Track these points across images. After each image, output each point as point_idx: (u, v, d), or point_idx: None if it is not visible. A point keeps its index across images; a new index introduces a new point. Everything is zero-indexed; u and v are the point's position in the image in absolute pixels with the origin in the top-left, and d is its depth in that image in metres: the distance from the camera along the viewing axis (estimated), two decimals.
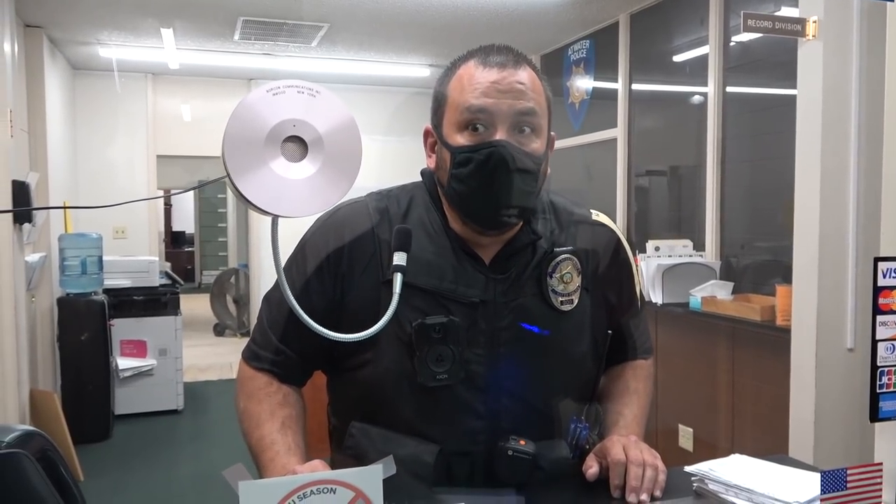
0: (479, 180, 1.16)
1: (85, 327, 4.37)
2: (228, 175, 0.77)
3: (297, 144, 0.79)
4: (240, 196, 0.79)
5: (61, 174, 5.24)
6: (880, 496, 0.96)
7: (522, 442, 1.19)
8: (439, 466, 1.20)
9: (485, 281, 1.23)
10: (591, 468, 1.20)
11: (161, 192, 6.96)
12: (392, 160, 6.42)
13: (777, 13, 3.26)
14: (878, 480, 0.96)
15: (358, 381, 1.25)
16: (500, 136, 1.16)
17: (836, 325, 2.64)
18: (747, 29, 2.70)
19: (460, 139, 1.18)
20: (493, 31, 4.72)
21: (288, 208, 0.79)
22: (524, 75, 1.19)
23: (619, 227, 1.42)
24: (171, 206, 12.82)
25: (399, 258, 1.16)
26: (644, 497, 1.14)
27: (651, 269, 3.58)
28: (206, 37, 5.13)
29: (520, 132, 1.18)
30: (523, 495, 1.13)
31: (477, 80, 1.17)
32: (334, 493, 0.80)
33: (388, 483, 0.82)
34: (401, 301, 1.09)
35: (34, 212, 3.85)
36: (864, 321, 2.52)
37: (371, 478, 0.81)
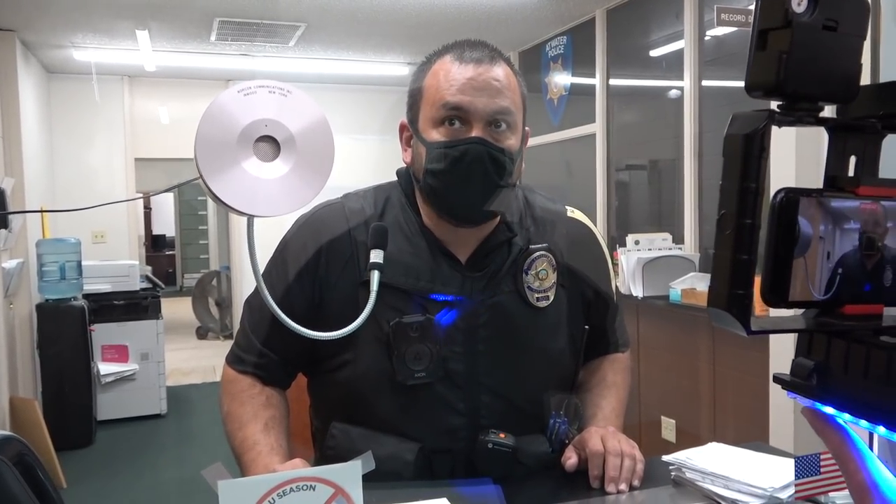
0: (454, 176, 1.17)
1: (65, 333, 4.33)
2: (201, 176, 0.77)
3: (270, 144, 0.79)
4: (213, 197, 0.79)
5: (38, 179, 5.18)
6: None
7: (502, 435, 1.20)
8: (420, 464, 1.21)
9: (461, 279, 1.24)
10: (570, 459, 1.22)
11: (140, 195, 6.89)
12: (370, 159, 6.40)
13: (750, 7, 3.30)
14: None
15: (338, 382, 1.26)
16: (475, 132, 1.17)
17: None
18: (721, 23, 2.73)
19: (436, 135, 1.19)
20: (470, 28, 4.72)
21: (262, 208, 0.79)
22: (500, 72, 1.20)
23: (594, 223, 1.43)
24: (150, 209, 12.71)
25: (376, 256, 1.16)
26: (623, 487, 1.15)
27: (631, 262, 3.61)
28: (182, 38, 5.10)
29: (495, 129, 1.19)
30: (502, 486, 1.14)
31: (453, 76, 1.18)
32: (314, 489, 0.80)
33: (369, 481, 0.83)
34: (378, 301, 1.10)
35: (10, 217, 3.80)
36: None
37: (350, 474, 0.82)
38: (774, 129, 0.45)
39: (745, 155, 0.44)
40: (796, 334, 0.49)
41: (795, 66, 0.44)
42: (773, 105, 0.46)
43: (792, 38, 0.44)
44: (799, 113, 0.46)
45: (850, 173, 0.49)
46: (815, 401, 0.48)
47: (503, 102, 1.18)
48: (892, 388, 0.43)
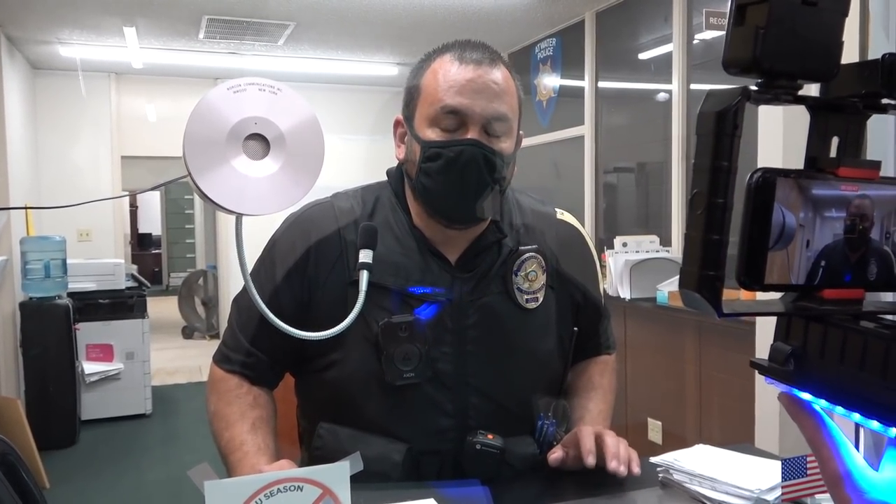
0: (448, 176, 1.17)
1: (49, 332, 4.29)
2: (190, 174, 0.76)
3: (259, 142, 0.79)
4: (202, 195, 0.78)
5: (22, 177, 5.13)
6: None
7: (490, 436, 1.20)
8: (408, 465, 1.20)
9: (451, 280, 1.23)
10: (555, 453, 1.22)
11: (126, 193, 6.84)
12: (359, 159, 6.40)
13: None
14: None
15: (326, 382, 1.25)
16: (471, 134, 1.17)
17: None
18: (709, 27, 2.74)
19: (431, 134, 1.19)
20: (460, 29, 4.72)
21: (251, 206, 0.79)
22: (499, 75, 1.20)
23: (582, 224, 1.43)
24: (136, 207, 12.63)
25: (365, 255, 1.16)
26: (623, 469, 1.14)
27: (619, 264, 3.62)
28: (170, 35, 5.07)
29: (490, 132, 1.19)
30: (490, 488, 1.13)
31: (452, 76, 1.18)
32: (301, 490, 0.80)
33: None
34: (367, 301, 1.10)
35: None
36: None
37: (338, 474, 0.82)
38: (763, 110, 0.44)
39: (718, 132, 0.43)
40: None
41: (773, 41, 0.43)
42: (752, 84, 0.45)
43: (770, 13, 0.42)
44: (776, 90, 0.45)
45: (832, 154, 0.48)
46: (791, 386, 0.48)
47: (500, 107, 1.19)
48: (868, 374, 0.42)
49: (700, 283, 0.43)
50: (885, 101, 0.47)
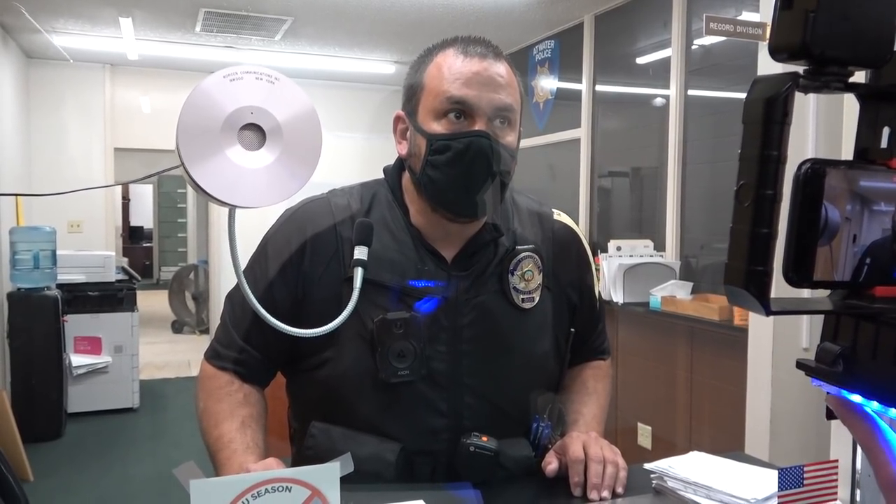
0: (457, 168, 1.16)
1: (36, 323, 4.25)
2: (182, 163, 0.74)
3: (255, 132, 0.77)
4: (195, 185, 0.76)
5: (13, 166, 5.09)
6: (836, 493, 0.97)
7: (485, 438, 1.19)
8: (401, 465, 1.18)
9: (447, 277, 1.22)
10: (551, 464, 1.20)
11: (119, 184, 6.79)
12: (355, 157, 6.37)
13: (738, 17, 3.31)
14: (834, 477, 0.97)
15: (319, 381, 1.23)
16: (478, 126, 1.16)
17: (792, 325, 2.69)
18: (709, 32, 2.73)
19: (437, 127, 1.18)
20: (458, 29, 4.68)
21: (245, 198, 0.77)
22: (503, 69, 1.20)
23: (580, 227, 1.42)
24: (129, 200, 12.56)
25: (360, 252, 1.15)
26: (605, 494, 1.14)
27: (612, 268, 3.61)
28: (166, 28, 5.03)
29: (497, 124, 1.18)
30: (482, 490, 1.12)
31: (458, 69, 1.17)
32: (290, 491, 0.78)
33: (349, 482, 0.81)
34: (363, 298, 1.09)
35: None
36: (819, 322, 2.56)
37: (328, 475, 0.80)
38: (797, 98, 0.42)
39: (767, 120, 0.41)
40: (822, 316, 0.46)
41: (823, 25, 0.41)
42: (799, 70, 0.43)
43: None
44: (826, 77, 0.43)
45: (883, 145, 0.45)
46: (841, 388, 0.45)
47: (506, 98, 1.18)
48: None
49: (747, 278, 0.41)
50: None
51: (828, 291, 0.46)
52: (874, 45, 0.43)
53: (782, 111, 0.41)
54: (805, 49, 0.41)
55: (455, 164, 1.16)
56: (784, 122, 0.41)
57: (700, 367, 3.16)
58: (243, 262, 1.00)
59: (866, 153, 0.45)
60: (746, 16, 3.28)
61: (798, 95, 0.43)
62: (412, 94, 1.23)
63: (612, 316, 3.56)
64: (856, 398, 0.45)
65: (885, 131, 0.46)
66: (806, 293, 0.48)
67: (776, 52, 0.43)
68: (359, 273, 1.11)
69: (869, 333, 0.44)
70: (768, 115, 0.41)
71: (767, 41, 0.43)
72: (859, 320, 0.44)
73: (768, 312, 0.42)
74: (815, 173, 0.41)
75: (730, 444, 2.88)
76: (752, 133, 0.42)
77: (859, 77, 0.45)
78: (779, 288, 0.42)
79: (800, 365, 0.47)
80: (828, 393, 0.47)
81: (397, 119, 1.26)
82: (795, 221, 0.41)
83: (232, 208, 0.80)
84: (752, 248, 0.41)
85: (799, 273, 0.42)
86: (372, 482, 1.15)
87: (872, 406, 0.45)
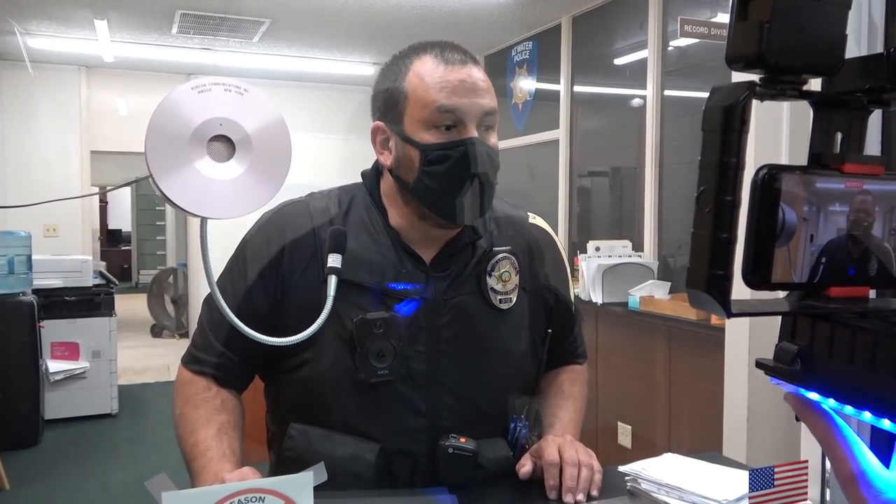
0: (456, 176, 1.17)
1: (12, 329, 4.19)
2: (151, 176, 0.74)
3: (224, 144, 0.77)
4: (163, 196, 0.76)
5: None
6: (806, 493, 0.98)
7: (463, 440, 1.20)
8: (380, 465, 1.19)
9: (425, 279, 1.23)
10: (524, 467, 1.21)
11: (95, 189, 6.70)
12: (334, 158, 6.36)
13: (713, 19, 3.34)
14: (805, 477, 0.98)
15: (297, 382, 1.23)
16: (470, 133, 1.18)
17: (769, 324, 2.71)
18: (684, 34, 2.76)
19: (428, 136, 1.18)
20: (436, 30, 4.71)
21: (214, 210, 0.76)
22: (482, 73, 1.22)
23: (556, 228, 1.43)
24: (106, 203, 12.44)
25: (333, 260, 1.15)
26: (580, 497, 1.15)
27: (591, 268, 3.62)
28: (142, 29, 4.99)
29: (485, 130, 1.20)
30: (460, 494, 1.12)
31: (443, 77, 1.18)
32: (263, 501, 0.78)
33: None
34: (342, 298, 1.10)
35: None
36: None
37: (301, 485, 0.80)
38: (765, 106, 0.43)
39: (725, 128, 0.42)
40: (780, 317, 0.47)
41: (778, 35, 0.42)
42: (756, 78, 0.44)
43: (774, 6, 0.42)
44: (781, 85, 0.44)
45: (836, 150, 0.47)
46: (799, 386, 0.47)
47: (491, 103, 1.21)
48: (878, 373, 0.42)
49: (709, 282, 0.42)
50: (888, 95, 0.46)
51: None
52: (827, 54, 0.44)
53: (740, 119, 0.42)
54: (761, 58, 0.42)
55: (454, 172, 1.17)
56: (742, 130, 0.42)
57: (679, 367, 3.19)
58: (222, 265, 1.00)
59: (820, 158, 0.47)
60: (721, 18, 3.31)
61: (772, 103, 0.44)
62: (393, 104, 1.22)
63: (592, 316, 3.58)
64: (813, 396, 0.47)
65: (838, 136, 0.47)
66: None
67: (732, 62, 0.44)
68: (332, 281, 1.11)
69: (824, 333, 0.45)
70: (727, 123, 0.42)
71: (725, 51, 0.45)
72: (815, 320, 0.46)
73: (729, 315, 0.43)
74: (771, 178, 0.43)
75: (708, 442, 2.91)
76: (711, 141, 0.43)
77: (815, 85, 0.47)
78: (741, 290, 0.43)
79: (759, 364, 0.49)
80: (786, 391, 0.49)
81: (377, 130, 1.25)
82: (754, 225, 0.43)
83: (203, 220, 0.80)
84: (712, 252, 0.42)
85: (758, 275, 0.43)
86: (351, 482, 1.15)
87: (829, 403, 0.46)
